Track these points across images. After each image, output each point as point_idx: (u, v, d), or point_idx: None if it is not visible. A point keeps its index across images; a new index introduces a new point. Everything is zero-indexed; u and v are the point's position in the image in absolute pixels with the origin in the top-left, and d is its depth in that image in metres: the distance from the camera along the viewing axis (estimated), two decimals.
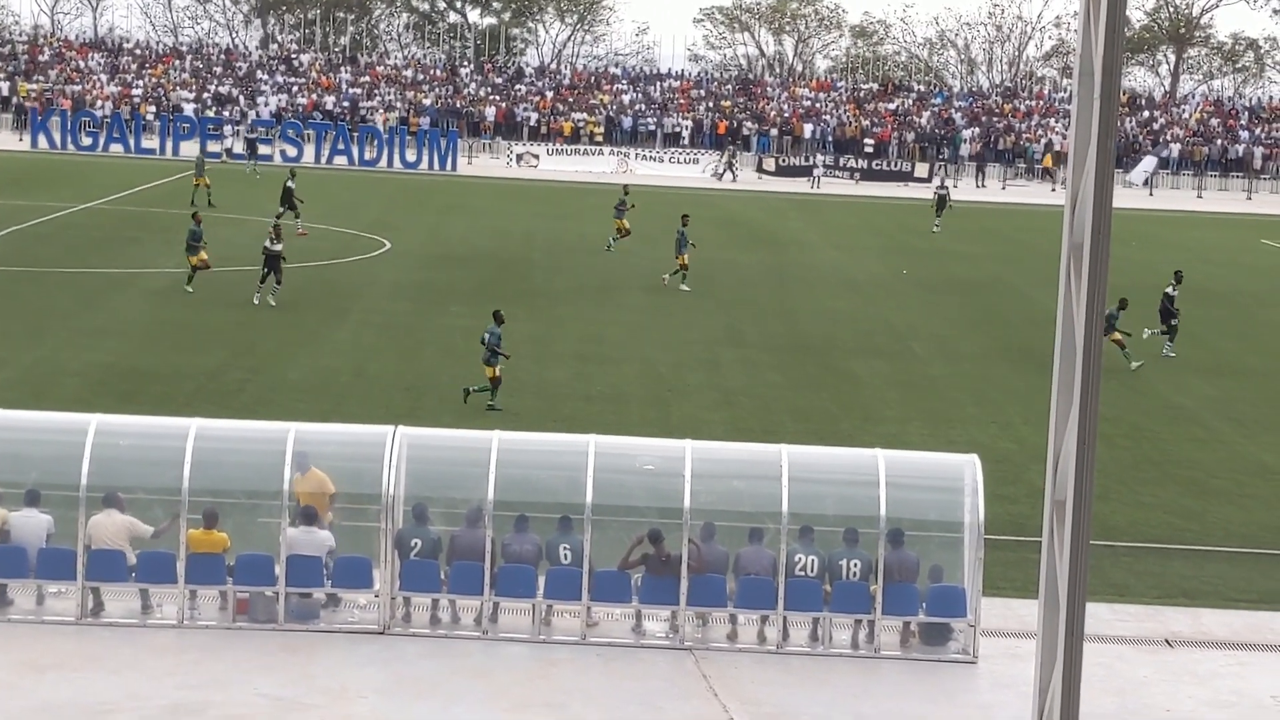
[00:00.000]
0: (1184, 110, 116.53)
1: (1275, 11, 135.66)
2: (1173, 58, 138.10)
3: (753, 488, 23.03)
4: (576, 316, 45.83)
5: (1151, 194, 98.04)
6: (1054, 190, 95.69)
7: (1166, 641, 22.75)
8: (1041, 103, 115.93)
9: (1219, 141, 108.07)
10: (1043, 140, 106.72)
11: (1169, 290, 43.94)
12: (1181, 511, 29.10)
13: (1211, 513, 29.13)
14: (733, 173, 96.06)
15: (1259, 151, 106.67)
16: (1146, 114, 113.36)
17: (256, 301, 43.92)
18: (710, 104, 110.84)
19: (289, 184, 61.15)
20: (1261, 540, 27.54)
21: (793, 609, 21.99)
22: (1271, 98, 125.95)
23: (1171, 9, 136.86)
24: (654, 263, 55.43)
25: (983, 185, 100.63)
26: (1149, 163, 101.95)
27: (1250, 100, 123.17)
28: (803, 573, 21.98)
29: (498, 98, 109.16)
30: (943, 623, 22.03)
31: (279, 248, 44.30)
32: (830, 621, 22.05)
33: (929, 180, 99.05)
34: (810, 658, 21.75)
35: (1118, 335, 39.92)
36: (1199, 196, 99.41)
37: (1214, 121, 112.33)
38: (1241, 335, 47.86)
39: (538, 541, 22.29)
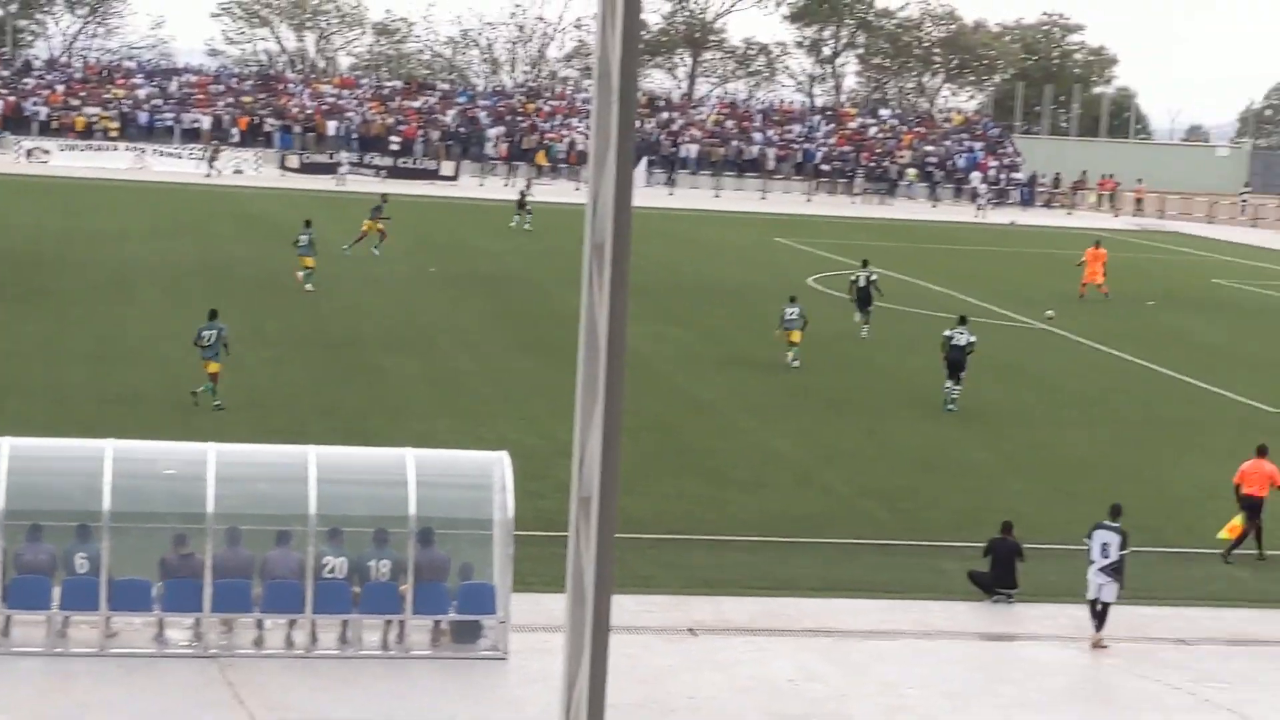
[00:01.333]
0: (701, 112, 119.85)
1: (784, 18, 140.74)
2: (689, 60, 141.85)
3: (279, 490, 22.64)
4: (91, 315, 44.36)
5: (671, 193, 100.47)
6: (577, 189, 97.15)
7: (690, 630, 23.29)
8: (564, 103, 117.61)
9: (734, 143, 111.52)
10: (566, 139, 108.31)
11: (871, 278, 48.73)
12: (703, 502, 29.84)
13: (732, 502, 29.95)
14: (212, 167, 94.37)
15: (772, 153, 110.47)
16: (665, 115, 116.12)
17: None
18: (231, 100, 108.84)
19: None
20: (778, 528, 28.45)
21: (321, 612, 21.73)
22: (783, 100, 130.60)
23: (687, 13, 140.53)
24: (165, 259, 54.02)
25: (511, 184, 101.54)
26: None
27: (763, 103, 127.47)
28: (331, 575, 21.74)
29: (5, 91, 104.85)
30: (473, 620, 22.09)
31: None
32: (360, 623, 21.86)
33: (455, 179, 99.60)
34: (340, 660, 21.52)
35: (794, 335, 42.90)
36: (716, 196, 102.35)
37: (729, 123, 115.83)
38: (757, 329, 49.36)
39: (53, 551, 21.45)
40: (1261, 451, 28.94)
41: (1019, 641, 23.87)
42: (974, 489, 31.68)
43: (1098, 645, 23.41)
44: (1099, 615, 23.50)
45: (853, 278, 50.41)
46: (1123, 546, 23.50)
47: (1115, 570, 23.40)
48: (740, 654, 22.48)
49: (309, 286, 50.93)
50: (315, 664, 21.33)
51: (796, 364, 43.10)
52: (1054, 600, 25.40)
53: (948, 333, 39.65)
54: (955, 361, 39.02)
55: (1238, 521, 28.25)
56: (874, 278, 49.45)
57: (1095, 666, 22.89)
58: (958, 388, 39.11)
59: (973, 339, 39.26)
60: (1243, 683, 22.47)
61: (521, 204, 74.55)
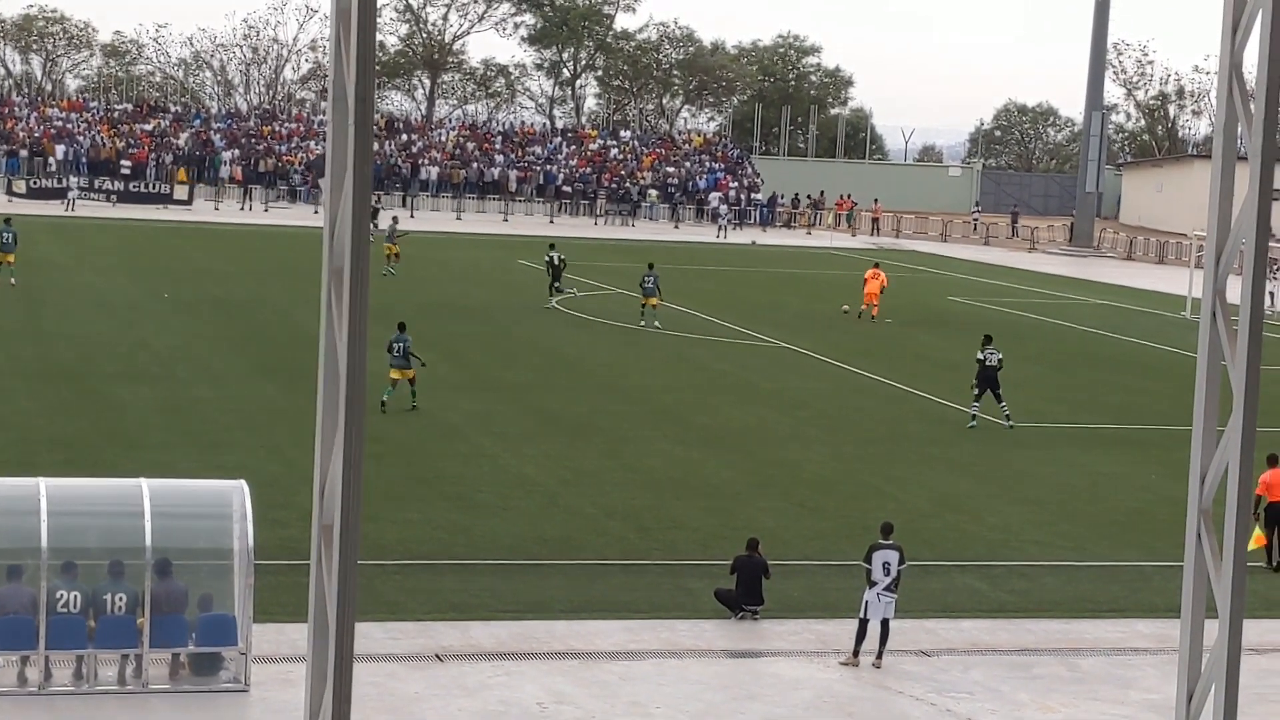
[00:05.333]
0: (441, 134, 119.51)
1: (523, 39, 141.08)
2: (428, 82, 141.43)
3: (9, 523, 21.96)
4: None
5: (412, 215, 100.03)
6: (316, 212, 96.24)
7: (437, 656, 23.09)
8: (301, 125, 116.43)
9: (475, 165, 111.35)
10: (303, 162, 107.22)
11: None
12: (450, 526, 29.64)
13: (478, 526, 29.78)
14: None
15: (513, 175, 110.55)
16: (405, 137, 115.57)
17: None
18: None
19: None
20: (526, 551, 28.37)
21: (55, 647, 21.11)
22: (523, 122, 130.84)
23: (425, 35, 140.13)
24: None
25: (248, 208, 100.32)
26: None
27: (504, 125, 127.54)
28: (65, 609, 21.13)
29: None
30: (213, 652, 21.64)
31: None
32: (96, 658, 21.29)
33: (189, 202, 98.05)
34: (76, 697, 20.94)
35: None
36: (458, 218, 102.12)
37: (470, 145, 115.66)
38: (500, 351, 49.39)
39: None
40: (1273, 461, 29.83)
41: (765, 658, 24.08)
42: (719, 508, 31.92)
43: (877, 665, 23.63)
44: (883, 635, 23.68)
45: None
46: (901, 563, 23.81)
47: (896, 587, 23.72)
48: (489, 678, 22.35)
49: (12, 281, 55.95)
50: (51, 701, 20.74)
51: (657, 323, 54.83)
52: (799, 616, 25.69)
53: (980, 355, 41.35)
54: (990, 379, 40.88)
55: (1260, 532, 29.00)
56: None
57: (840, 680, 23.18)
58: (1002, 405, 40.96)
59: (1001, 355, 41.18)
60: (982, 692, 22.94)
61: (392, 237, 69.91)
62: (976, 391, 41.17)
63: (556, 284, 61.11)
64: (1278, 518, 29.48)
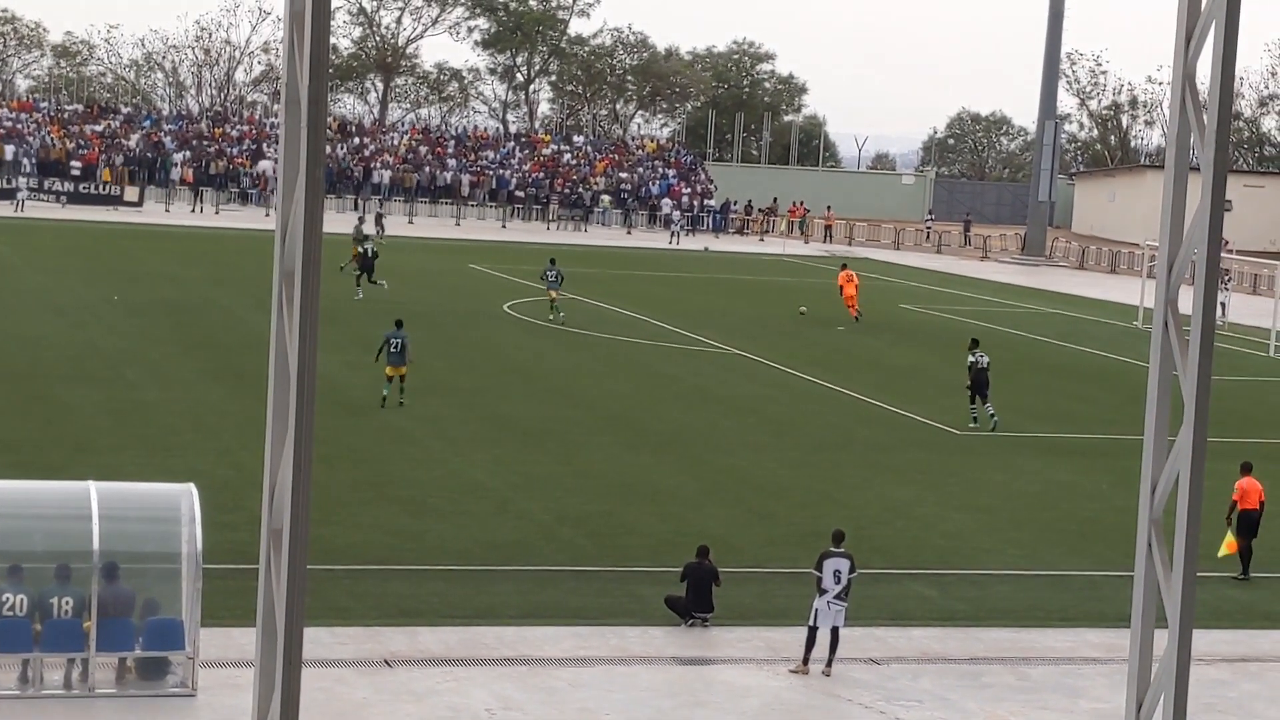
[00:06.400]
0: (394, 137, 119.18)
1: (477, 44, 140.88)
2: (381, 86, 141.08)
3: None
4: None
5: (363, 219, 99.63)
6: (267, 215, 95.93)
7: (385, 661, 23.00)
8: (253, 127, 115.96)
9: (428, 168, 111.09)
10: (253, 164, 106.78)
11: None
12: (401, 531, 29.53)
13: (429, 531, 29.69)
14: None
15: (466, 179, 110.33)
16: (357, 140, 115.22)
17: None
18: None
19: None
20: (476, 556, 28.29)
21: (0, 651, 20.93)
22: (476, 126, 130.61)
23: (378, 38, 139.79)
24: None
25: (199, 210, 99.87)
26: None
27: (456, 129, 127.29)
28: (11, 613, 20.97)
29: None
30: (160, 657, 21.50)
31: None
32: (41, 662, 21.12)
33: (139, 204, 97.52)
34: (20, 701, 20.78)
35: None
36: (410, 222, 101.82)
37: (423, 149, 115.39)
38: (452, 355, 49.25)
39: None
40: (1247, 469, 30.09)
41: (714, 665, 24.07)
42: (671, 514, 31.90)
43: (826, 673, 23.58)
44: (833, 643, 23.63)
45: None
46: (851, 571, 23.80)
47: (846, 595, 23.70)
48: (437, 684, 22.27)
49: None
50: None
51: (563, 316, 56.96)
52: (749, 623, 25.67)
53: (970, 359, 42.23)
54: (981, 383, 41.86)
55: (1233, 538, 29.09)
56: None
57: (789, 688, 23.17)
58: (989, 406, 41.82)
59: (988, 359, 42.25)
60: (931, 700, 22.97)
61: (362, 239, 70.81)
62: (970, 394, 41.94)
63: (369, 275, 61.15)
64: (1251, 525, 29.62)
